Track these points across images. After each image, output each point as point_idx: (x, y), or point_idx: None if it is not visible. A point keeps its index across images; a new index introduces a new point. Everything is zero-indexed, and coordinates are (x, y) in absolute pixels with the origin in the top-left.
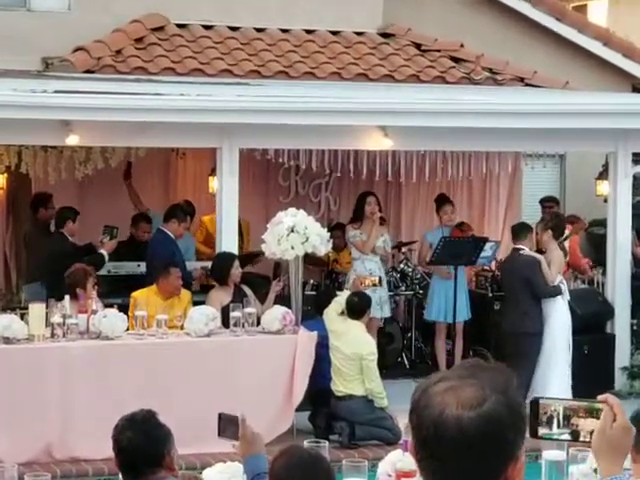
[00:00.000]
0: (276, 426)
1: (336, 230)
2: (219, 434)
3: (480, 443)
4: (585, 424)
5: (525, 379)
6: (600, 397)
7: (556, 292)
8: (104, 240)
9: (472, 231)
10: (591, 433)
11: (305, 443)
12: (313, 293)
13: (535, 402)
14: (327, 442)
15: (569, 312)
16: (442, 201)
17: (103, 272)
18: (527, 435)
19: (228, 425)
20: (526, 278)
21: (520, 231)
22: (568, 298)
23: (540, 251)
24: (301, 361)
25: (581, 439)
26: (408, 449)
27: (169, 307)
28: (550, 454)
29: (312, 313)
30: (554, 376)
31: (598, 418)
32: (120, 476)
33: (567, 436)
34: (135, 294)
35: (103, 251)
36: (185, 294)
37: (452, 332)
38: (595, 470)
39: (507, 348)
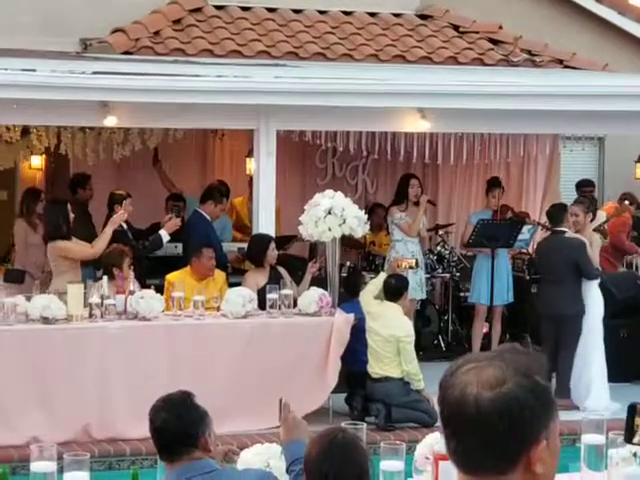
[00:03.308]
0: (308, 404)
1: (377, 208)
2: (279, 419)
3: (497, 423)
4: None
5: (569, 361)
6: None
7: (599, 275)
8: (172, 218)
9: (511, 210)
10: None
11: (343, 425)
12: None
13: (633, 407)
14: (364, 424)
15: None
16: (493, 184)
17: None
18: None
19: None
20: (575, 260)
21: (558, 214)
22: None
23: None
24: (336, 343)
25: (635, 440)
26: None
27: (204, 288)
28: (589, 438)
29: (344, 295)
30: (594, 358)
31: None
32: (158, 456)
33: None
34: (169, 277)
35: (162, 232)
36: (220, 275)
37: (490, 315)
38: (634, 454)
39: (548, 331)
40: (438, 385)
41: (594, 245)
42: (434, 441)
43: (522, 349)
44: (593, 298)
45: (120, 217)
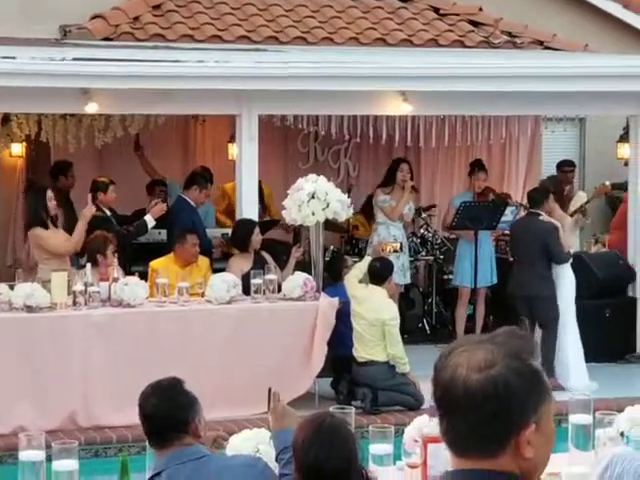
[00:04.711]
0: (293, 389)
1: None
2: (269, 408)
3: (485, 406)
4: None
5: (552, 342)
6: None
7: (569, 258)
8: (158, 204)
9: (492, 192)
10: None
11: (331, 409)
12: None
13: None
14: (353, 408)
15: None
16: (477, 167)
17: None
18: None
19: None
20: (546, 244)
21: (539, 197)
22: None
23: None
24: (321, 327)
25: None
26: (434, 414)
27: (187, 274)
28: (576, 418)
29: (328, 279)
30: (569, 339)
31: None
32: (147, 442)
33: None
34: (153, 264)
35: (147, 217)
36: (203, 261)
37: (474, 297)
38: (622, 434)
39: (522, 311)
40: (433, 367)
41: (566, 228)
42: (422, 424)
43: (517, 332)
44: (564, 279)
45: (89, 211)
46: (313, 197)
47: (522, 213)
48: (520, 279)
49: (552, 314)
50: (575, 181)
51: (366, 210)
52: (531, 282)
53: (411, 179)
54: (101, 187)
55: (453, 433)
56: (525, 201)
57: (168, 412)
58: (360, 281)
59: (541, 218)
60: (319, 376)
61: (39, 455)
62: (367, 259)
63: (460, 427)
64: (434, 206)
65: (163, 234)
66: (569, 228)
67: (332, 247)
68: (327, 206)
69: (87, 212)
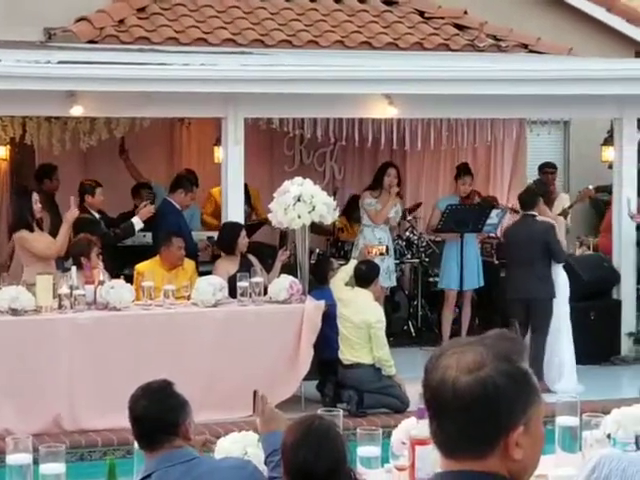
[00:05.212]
0: (280, 392)
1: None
2: (254, 411)
3: (473, 407)
4: None
5: (542, 344)
6: None
7: (567, 258)
8: (147, 205)
9: (478, 195)
10: None
11: (319, 412)
12: None
13: None
14: (340, 411)
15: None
16: (463, 171)
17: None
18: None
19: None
20: (546, 243)
21: (530, 199)
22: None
23: None
24: (307, 330)
25: None
26: (421, 416)
27: (173, 278)
28: (563, 420)
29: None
30: (563, 341)
31: None
32: (135, 445)
33: None
34: (139, 267)
35: (135, 219)
36: (189, 264)
37: (460, 300)
38: (608, 435)
39: (517, 314)
40: (423, 369)
41: (561, 228)
42: (410, 426)
43: (507, 335)
44: (560, 280)
45: (72, 214)
46: (299, 200)
47: (508, 216)
48: (516, 282)
49: (547, 316)
50: (558, 183)
51: (348, 212)
52: (528, 284)
53: (398, 184)
54: (88, 190)
55: (442, 434)
56: (511, 204)
57: (158, 414)
58: (346, 284)
59: (537, 218)
60: (305, 379)
61: (26, 458)
62: (353, 262)
63: (449, 428)
64: (420, 204)
65: (148, 237)
66: (562, 230)
67: (318, 250)
68: (313, 209)
69: (69, 216)
